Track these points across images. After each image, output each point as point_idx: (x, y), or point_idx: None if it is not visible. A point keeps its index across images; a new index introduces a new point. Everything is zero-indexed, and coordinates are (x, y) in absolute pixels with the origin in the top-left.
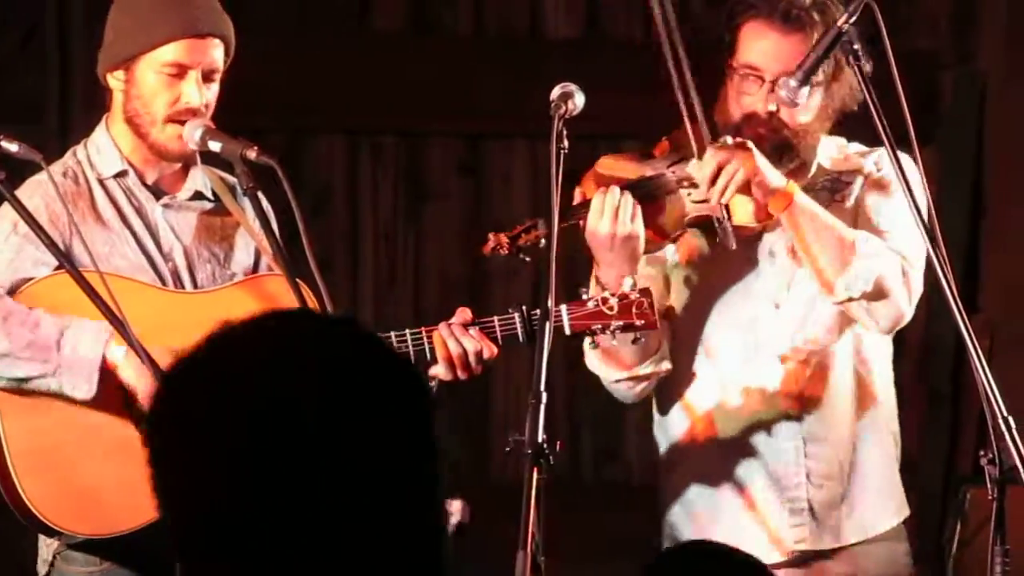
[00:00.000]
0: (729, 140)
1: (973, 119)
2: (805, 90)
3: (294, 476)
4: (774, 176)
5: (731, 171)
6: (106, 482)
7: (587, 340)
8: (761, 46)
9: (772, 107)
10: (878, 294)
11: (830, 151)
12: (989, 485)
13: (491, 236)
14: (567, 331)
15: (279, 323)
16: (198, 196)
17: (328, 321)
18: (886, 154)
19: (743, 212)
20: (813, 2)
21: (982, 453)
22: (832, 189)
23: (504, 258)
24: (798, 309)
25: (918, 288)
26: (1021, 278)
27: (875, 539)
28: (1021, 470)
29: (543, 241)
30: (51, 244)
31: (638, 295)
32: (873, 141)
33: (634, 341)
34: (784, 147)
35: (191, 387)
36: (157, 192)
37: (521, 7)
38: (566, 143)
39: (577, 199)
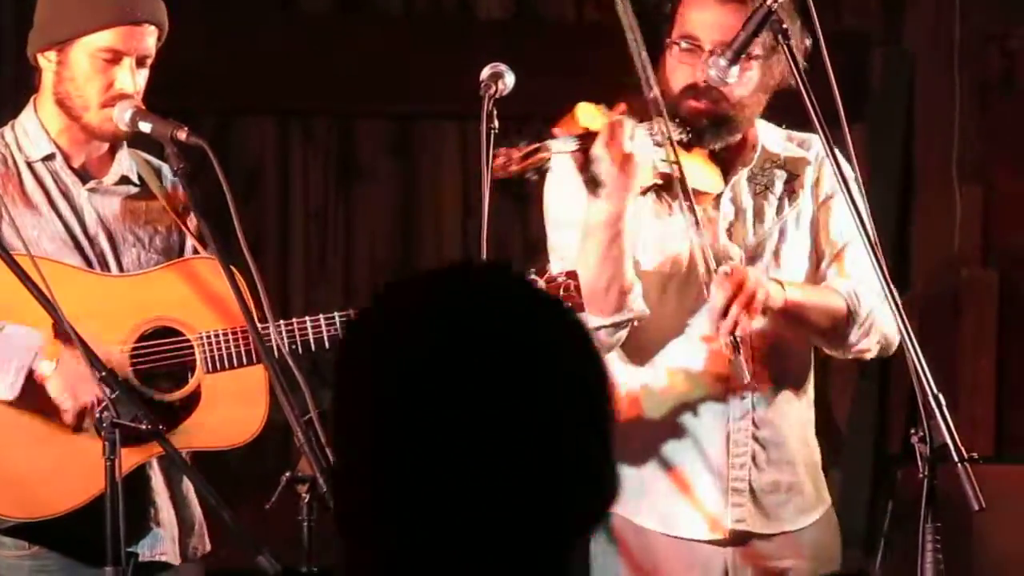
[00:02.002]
0: (727, 269)
1: (902, 97)
2: (735, 69)
3: (451, 428)
4: (773, 289)
5: (743, 303)
6: (35, 467)
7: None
8: (699, 17)
9: (732, 78)
10: (887, 346)
11: (774, 136)
12: (920, 463)
13: (501, 152)
14: None
15: (444, 275)
16: (124, 180)
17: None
18: (821, 149)
19: (703, 178)
20: None
21: (912, 431)
22: (785, 179)
23: (506, 179)
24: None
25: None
26: (948, 254)
27: (810, 525)
28: (952, 448)
29: (548, 164)
30: None
31: (565, 278)
32: (803, 119)
33: None
34: (723, 120)
35: (359, 338)
36: (83, 176)
37: None
38: (496, 123)
39: (563, 134)
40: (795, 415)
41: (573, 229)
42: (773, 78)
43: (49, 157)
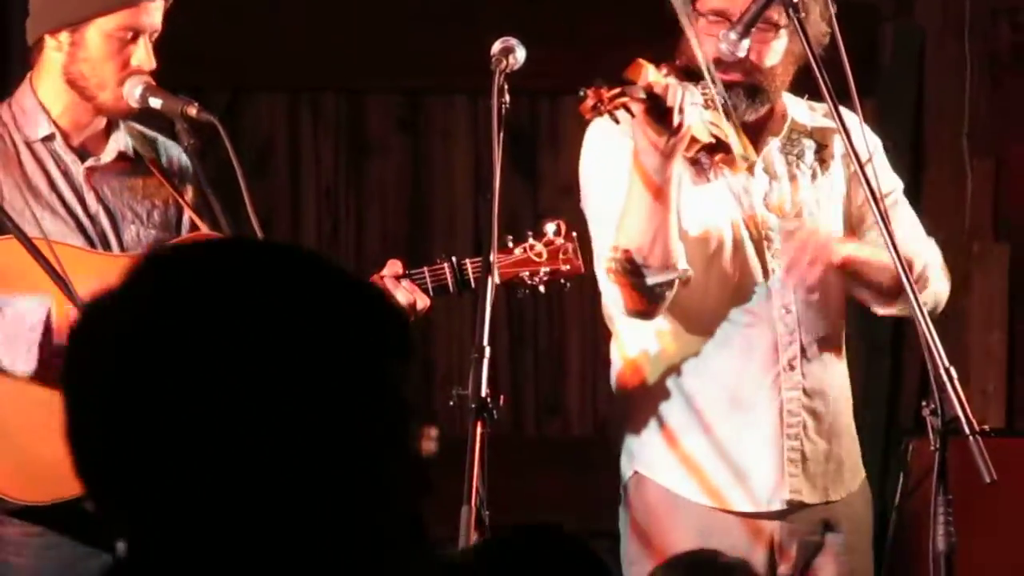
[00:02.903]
0: (790, 228)
1: (912, 72)
2: (746, 42)
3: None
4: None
5: (811, 259)
6: (45, 450)
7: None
8: None
9: (742, 52)
10: (936, 306)
11: (800, 107)
12: (932, 436)
13: (589, 92)
14: (496, 280)
15: (198, 250)
16: (121, 156)
17: (252, 247)
18: (852, 116)
19: (738, 148)
20: None
21: (924, 404)
22: (816, 149)
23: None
24: None
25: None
26: (959, 228)
27: (850, 495)
28: (963, 421)
29: (633, 107)
30: (5, 215)
31: (563, 240)
32: (815, 93)
33: (563, 286)
34: (756, 90)
35: (89, 322)
36: (82, 154)
37: None
38: (507, 98)
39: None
40: (839, 384)
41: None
42: (798, 49)
43: (49, 137)
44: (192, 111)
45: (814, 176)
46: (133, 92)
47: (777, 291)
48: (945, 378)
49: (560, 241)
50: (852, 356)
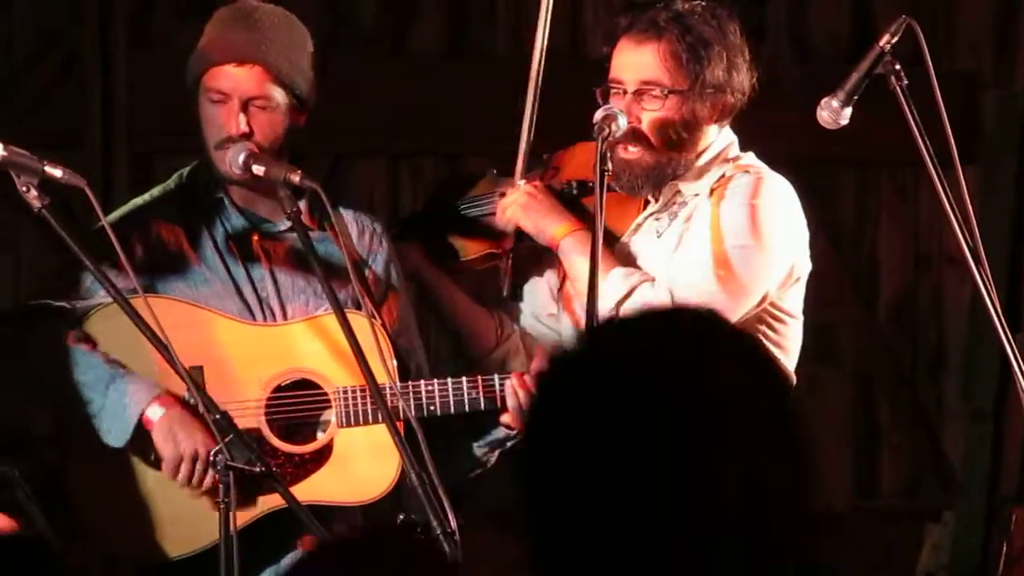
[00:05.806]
0: (522, 183)
1: (1014, 140)
2: (848, 111)
3: (661, 486)
4: (536, 231)
5: (504, 220)
6: (154, 511)
7: None
8: (619, 59)
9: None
10: None
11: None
12: None
13: None
14: None
15: (648, 324)
16: (297, 224)
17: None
18: (739, 178)
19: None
20: (670, 14)
21: None
22: (687, 213)
23: None
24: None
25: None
26: None
27: None
28: None
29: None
30: (103, 276)
31: None
32: (915, 160)
33: None
34: (651, 169)
35: (562, 391)
36: (254, 218)
37: (561, 26)
38: (610, 165)
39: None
40: None
41: None
42: (700, 113)
43: (217, 201)
44: (295, 178)
45: (680, 240)
46: (236, 159)
47: None
48: None
49: None
50: (953, 425)
